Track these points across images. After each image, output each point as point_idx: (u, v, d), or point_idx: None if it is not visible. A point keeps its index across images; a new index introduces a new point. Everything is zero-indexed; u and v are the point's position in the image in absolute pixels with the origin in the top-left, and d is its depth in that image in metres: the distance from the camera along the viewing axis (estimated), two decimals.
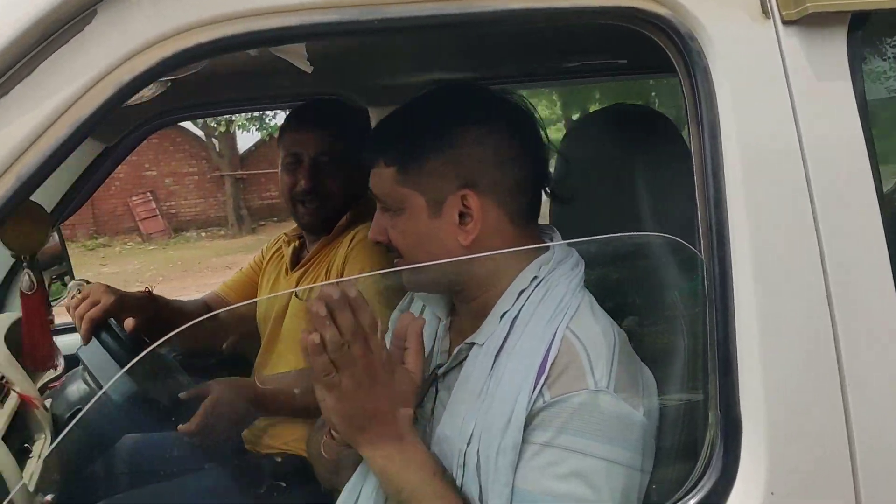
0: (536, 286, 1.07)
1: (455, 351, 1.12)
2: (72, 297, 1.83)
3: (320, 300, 0.89)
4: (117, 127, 2.09)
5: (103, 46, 0.73)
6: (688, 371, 1.06)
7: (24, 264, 1.41)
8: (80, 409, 1.74)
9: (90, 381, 1.76)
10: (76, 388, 1.77)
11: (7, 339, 1.70)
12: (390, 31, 0.86)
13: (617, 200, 1.30)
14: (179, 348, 2.01)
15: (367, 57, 2.22)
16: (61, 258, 2.34)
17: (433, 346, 1.20)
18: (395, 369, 0.98)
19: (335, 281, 1.67)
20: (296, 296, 1.81)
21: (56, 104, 0.72)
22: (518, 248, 1.09)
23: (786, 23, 0.95)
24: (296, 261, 1.92)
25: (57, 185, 2.09)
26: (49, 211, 2.10)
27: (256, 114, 11.78)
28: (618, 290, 1.21)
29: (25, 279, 1.41)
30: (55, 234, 2.25)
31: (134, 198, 15.63)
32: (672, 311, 1.11)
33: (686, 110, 0.96)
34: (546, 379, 0.99)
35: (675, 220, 1.05)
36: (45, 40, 0.72)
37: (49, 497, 1.47)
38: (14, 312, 1.97)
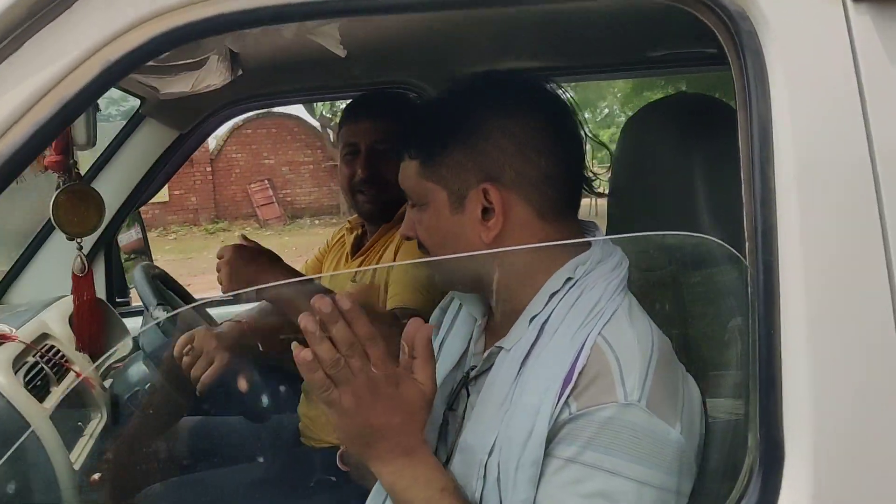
0: (570, 288, 1.00)
1: (486, 354, 1.06)
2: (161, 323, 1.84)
3: (308, 315, 0.84)
4: (190, 114, 2.13)
5: (91, 24, 0.71)
6: (733, 387, 0.96)
7: (78, 248, 1.44)
8: (138, 391, 1.78)
9: (150, 365, 1.80)
10: (136, 370, 1.80)
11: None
12: (396, 9, 0.80)
13: (676, 197, 1.20)
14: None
15: (440, 46, 2.18)
16: (143, 250, 2.41)
17: (467, 347, 1.14)
18: (401, 381, 0.91)
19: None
20: (352, 280, 1.80)
21: (40, 83, 0.70)
22: (539, 245, 1.01)
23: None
24: (357, 248, 1.91)
25: (132, 171, 2.15)
26: (125, 197, 2.17)
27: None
28: (662, 293, 1.11)
29: (77, 261, 1.45)
30: (140, 240, 2.32)
31: (253, 185, 16.48)
32: (722, 320, 1.00)
33: (735, 99, 0.86)
34: (573, 389, 0.90)
35: (734, 219, 0.95)
36: (32, 17, 0.70)
37: (96, 476, 1.50)
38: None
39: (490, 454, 0.95)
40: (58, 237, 2.17)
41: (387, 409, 0.89)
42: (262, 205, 16.43)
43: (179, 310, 1.61)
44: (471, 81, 1.10)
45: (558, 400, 0.90)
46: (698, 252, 1.04)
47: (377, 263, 1.79)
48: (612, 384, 0.89)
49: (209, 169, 16.79)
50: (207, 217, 16.62)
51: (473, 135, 1.01)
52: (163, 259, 13.29)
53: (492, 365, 1.03)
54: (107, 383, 1.76)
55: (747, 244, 0.84)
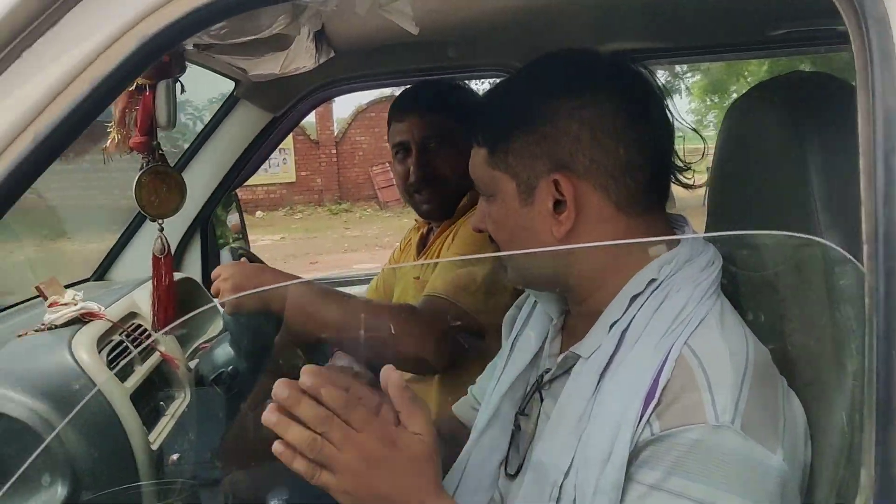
0: (654, 291, 0.89)
1: (561, 358, 0.97)
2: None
3: (270, 409, 0.77)
4: (283, 97, 2.12)
5: None
6: (843, 413, 0.83)
7: (159, 229, 1.44)
8: (223, 373, 1.78)
9: (235, 346, 1.80)
10: (222, 352, 1.81)
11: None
12: None
13: (784, 190, 1.06)
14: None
15: (539, 27, 2.08)
16: (240, 232, 2.44)
17: (541, 348, 1.06)
18: (397, 439, 0.82)
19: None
20: (416, 278, 1.73)
21: (75, 60, 0.66)
22: (617, 242, 0.91)
23: None
24: (421, 247, 1.85)
25: (227, 154, 2.16)
26: (220, 179, 2.19)
27: None
28: (760, 298, 0.98)
29: (158, 243, 1.45)
30: (233, 199, 2.35)
31: (374, 168, 17.03)
32: (831, 334, 0.87)
33: (856, 75, 0.73)
34: (656, 406, 0.80)
35: (851, 218, 0.82)
36: None
37: (175, 456, 1.51)
38: (179, 273, 2.05)
39: (566, 476, 0.86)
40: None
41: (389, 473, 0.81)
42: (383, 187, 16.93)
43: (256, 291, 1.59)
44: (542, 62, 1.01)
45: (640, 418, 0.81)
46: (806, 254, 0.91)
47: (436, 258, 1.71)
48: (699, 402, 0.79)
49: (334, 151, 17.45)
50: (331, 198, 17.40)
51: (542, 120, 0.92)
52: (290, 237, 13.99)
53: (567, 370, 0.95)
54: (192, 364, 1.77)
55: (865, 247, 0.71)
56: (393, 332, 1.38)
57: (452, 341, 1.44)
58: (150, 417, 1.49)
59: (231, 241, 2.47)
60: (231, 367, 1.73)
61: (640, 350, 0.86)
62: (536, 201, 0.93)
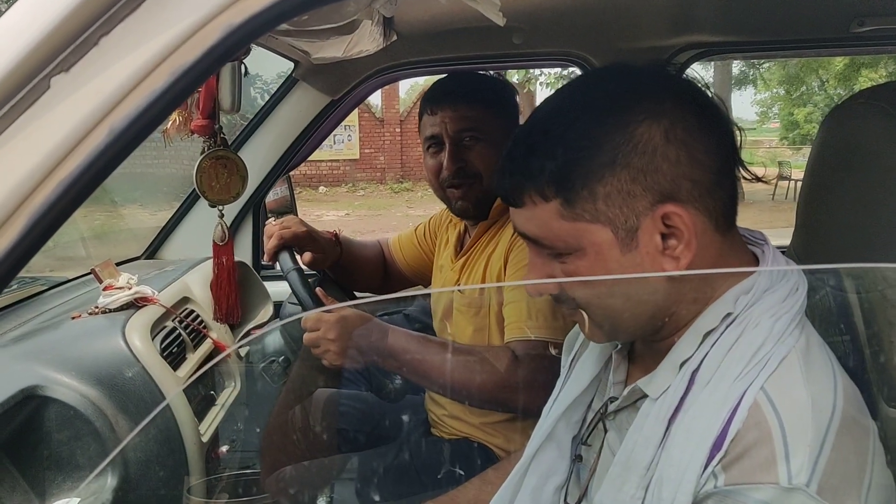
0: (728, 326, 0.80)
1: (627, 391, 0.89)
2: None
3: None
4: (343, 80, 2.06)
5: None
6: None
7: (219, 215, 1.41)
8: (273, 361, 1.75)
9: (286, 336, 1.77)
10: (273, 340, 1.78)
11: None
12: None
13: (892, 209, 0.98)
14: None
15: (609, 15, 2.00)
16: (289, 210, 2.40)
17: (600, 372, 0.98)
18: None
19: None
20: (460, 291, 1.67)
21: (157, 49, 0.61)
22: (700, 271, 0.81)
23: None
24: (460, 247, 1.78)
25: (283, 136, 2.12)
26: (275, 161, 2.15)
27: (566, 72, 11.47)
28: (867, 322, 0.90)
29: (218, 230, 1.41)
30: (285, 181, 2.31)
31: None
32: None
33: None
34: (723, 457, 0.73)
35: None
36: None
37: (224, 448, 1.48)
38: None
39: None
40: None
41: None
42: None
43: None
44: (594, 82, 0.89)
45: (705, 467, 0.74)
46: None
47: (480, 268, 1.64)
48: (772, 458, 0.71)
49: (398, 130, 17.57)
50: (394, 177, 17.62)
51: (633, 150, 0.79)
52: (354, 213, 14.16)
53: (633, 403, 0.88)
54: (243, 351, 1.74)
55: None
56: (495, 382, 1.42)
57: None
58: (200, 407, 1.46)
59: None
60: (283, 357, 1.70)
61: (711, 394, 0.78)
62: (641, 243, 0.81)
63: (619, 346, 0.96)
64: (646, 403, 0.84)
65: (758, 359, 0.77)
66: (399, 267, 2.02)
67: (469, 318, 1.63)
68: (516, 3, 1.87)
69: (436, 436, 1.75)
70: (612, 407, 0.92)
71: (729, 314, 0.81)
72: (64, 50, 0.61)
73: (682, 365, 0.82)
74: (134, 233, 2.35)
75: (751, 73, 23.37)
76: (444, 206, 1.76)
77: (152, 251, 2.23)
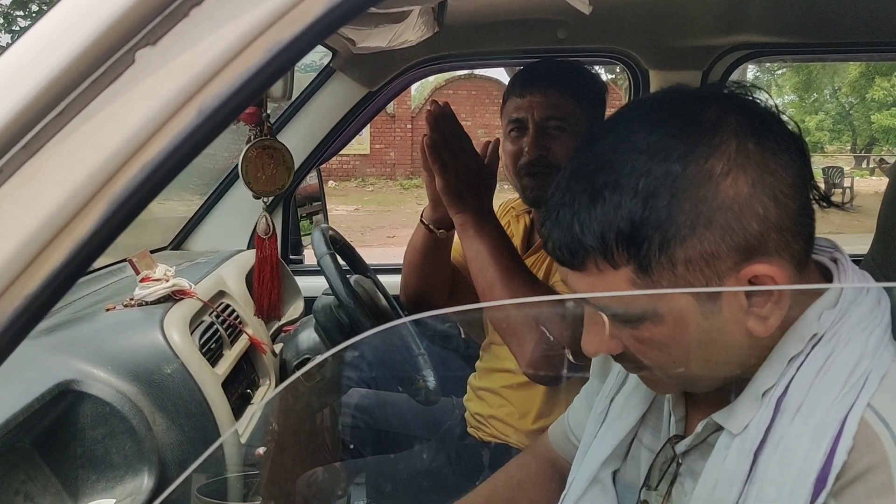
0: (814, 346, 0.72)
1: (699, 427, 0.80)
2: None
3: None
4: (381, 71, 2.01)
5: None
6: None
7: (264, 207, 1.35)
8: (308, 359, 1.70)
9: (321, 333, 1.71)
10: (307, 337, 1.73)
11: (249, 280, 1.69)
12: None
13: None
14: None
15: (659, 13, 1.94)
16: (317, 198, 2.35)
17: (657, 411, 0.90)
18: None
19: None
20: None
21: (254, 22, 0.55)
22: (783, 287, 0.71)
23: None
24: (527, 243, 1.71)
25: (318, 127, 2.06)
26: (308, 152, 2.09)
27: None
28: None
29: (262, 222, 1.36)
30: (314, 174, 2.26)
31: None
32: None
33: None
34: (833, 487, 0.66)
35: None
36: None
37: (261, 450, 1.42)
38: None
39: None
40: (239, 188, 2.14)
41: None
42: None
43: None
44: (666, 117, 0.73)
45: None
46: None
47: (550, 263, 1.58)
48: (889, 483, 0.64)
49: (409, 126, 17.57)
50: (403, 173, 17.63)
51: (717, 207, 0.68)
52: (364, 209, 14.17)
53: (706, 440, 0.80)
54: (277, 349, 1.69)
55: None
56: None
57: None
58: (237, 406, 1.40)
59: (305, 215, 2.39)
60: (318, 354, 1.65)
61: (805, 422, 0.69)
62: (725, 307, 0.71)
63: None
64: (722, 437, 0.76)
65: (855, 378, 0.69)
66: (455, 265, 1.81)
67: None
68: None
69: (473, 437, 1.69)
70: (681, 447, 0.83)
71: (815, 335, 0.72)
72: (151, 21, 0.55)
73: (764, 394, 0.73)
74: (159, 222, 2.29)
75: (765, 78, 23.29)
76: (503, 199, 1.69)
77: (179, 241, 2.18)
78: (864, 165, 23.78)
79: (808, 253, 0.75)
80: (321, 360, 1.51)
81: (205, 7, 0.56)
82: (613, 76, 13.73)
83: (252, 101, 0.59)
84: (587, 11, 0.93)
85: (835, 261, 0.80)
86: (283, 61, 0.57)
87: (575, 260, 0.73)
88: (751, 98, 0.75)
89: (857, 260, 1.21)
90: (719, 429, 0.77)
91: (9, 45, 0.57)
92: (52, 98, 0.55)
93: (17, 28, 14.10)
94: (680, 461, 0.84)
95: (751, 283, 0.70)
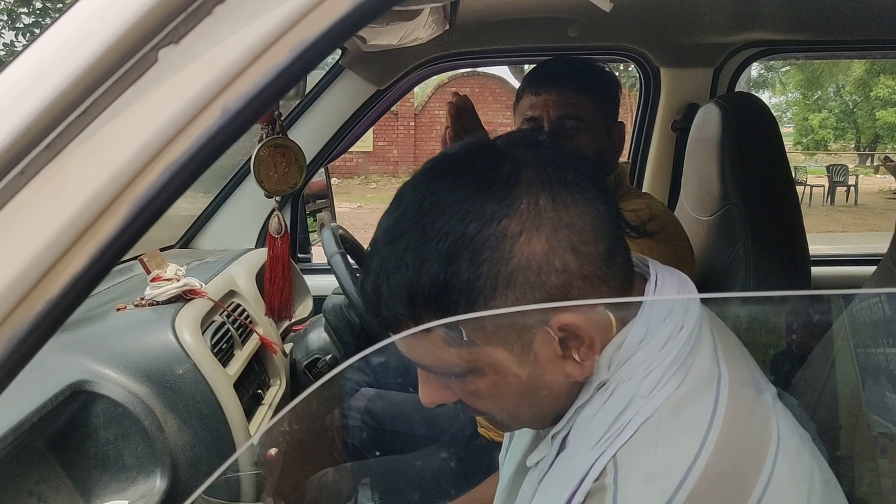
0: (598, 391, 0.71)
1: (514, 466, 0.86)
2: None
3: None
4: (390, 70, 2.00)
5: None
6: None
7: (276, 206, 1.34)
8: (317, 359, 1.69)
9: (331, 333, 1.70)
10: (317, 336, 1.72)
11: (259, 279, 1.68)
12: None
13: None
14: None
15: (670, 11, 1.93)
16: (322, 195, 2.34)
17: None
18: None
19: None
20: None
21: (279, 19, 0.54)
22: None
23: None
24: None
25: (327, 125, 2.05)
26: (317, 150, 2.08)
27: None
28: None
29: (274, 222, 1.35)
30: (322, 172, 2.25)
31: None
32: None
33: None
34: None
35: None
36: None
37: (273, 451, 1.42)
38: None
39: None
40: (247, 186, 2.13)
41: None
42: None
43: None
44: (455, 180, 0.71)
45: None
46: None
47: None
48: None
49: (412, 123, 17.57)
50: (406, 170, 17.83)
51: (514, 270, 0.67)
52: (367, 206, 14.18)
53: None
54: (286, 348, 1.68)
55: None
56: None
57: None
58: (248, 406, 1.39)
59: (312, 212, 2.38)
60: (330, 355, 1.64)
61: (569, 461, 0.71)
62: (540, 355, 0.70)
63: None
64: (528, 472, 0.79)
65: (619, 423, 0.68)
66: None
67: None
68: None
69: (484, 438, 1.68)
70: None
71: (602, 382, 0.71)
72: (174, 18, 0.54)
73: (553, 436, 0.75)
74: (167, 220, 2.28)
75: (769, 76, 23.23)
76: None
77: (187, 240, 2.17)
78: (868, 163, 23.73)
79: (629, 282, 0.75)
80: (343, 367, 1.49)
81: (229, 5, 0.55)
82: (623, 78, 13.71)
83: (276, 100, 0.58)
84: (608, 9, 0.92)
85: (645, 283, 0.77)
86: (307, 60, 0.56)
87: (391, 324, 0.72)
88: (547, 148, 0.74)
89: (876, 260, 1.20)
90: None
91: (26, 45, 0.56)
92: (75, 98, 0.54)
93: (21, 25, 14.06)
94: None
95: (562, 330, 0.69)
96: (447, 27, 1.90)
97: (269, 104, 0.58)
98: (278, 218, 1.33)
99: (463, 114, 1.34)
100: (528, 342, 0.70)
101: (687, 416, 0.68)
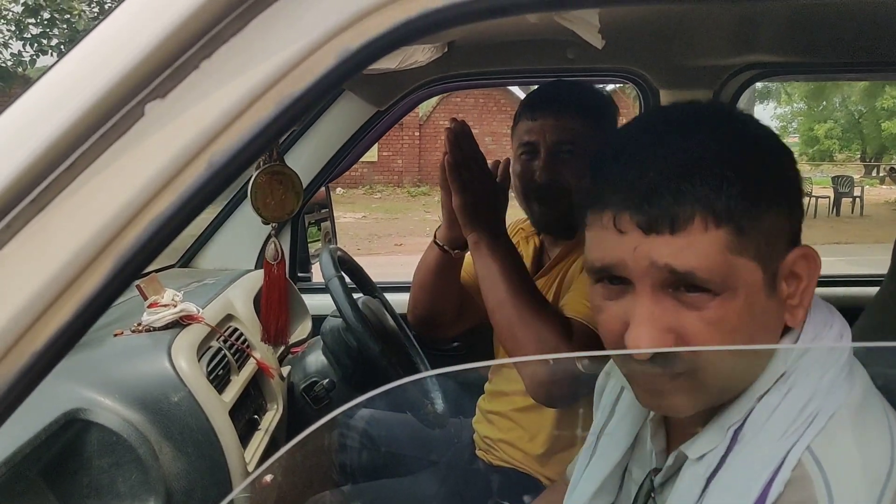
0: (777, 382, 0.73)
1: (671, 459, 0.81)
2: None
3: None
4: (390, 91, 2.00)
5: (328, 2, 0.54)
6: None
7: (272, 233, 1.35)
8: (315, 381, 1.69)
9: (329, 356, 1.70)
10: (315, 359, 1.72)
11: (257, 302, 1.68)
12: None
13: None
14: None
15: (670, 33, 1.93)
16: (325, 204, 2.35)
17: (641, 444, 0.90)
18: None
19: None
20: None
21: (264, 74, 0.54)
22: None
23: None
24: (537, 264, 1.69)
25: (326, 146, 2.06)
26: (317, 171, 2.09)
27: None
28: None
29: (271, 248, 1.35)
30: (323, 189, 2.25)
31: None
32: None
33: None
34: None
35: None
36: None
37: (269, 478, 1.41)
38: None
39: None
40: (247, 206, 2.13)
41: None
42: None
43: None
44: (708, 112, 0.81)
45: None
46: None
47: (559, 287, 1.56)
48: None
49: (417, 134, 17.64)
50: (411, 180, 17.72)
51: (788, 185, 0.75)
52: (371, 216, 14.19)
53: (678, 470, 0.80)
54: (284, 370, 1.68)
55: None
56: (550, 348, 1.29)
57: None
58: (244, 432, 1.39)
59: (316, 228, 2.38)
60: (327, 379, 1.64)
61: (753, 452, 0.71)
62: (778, 290, 0.74)
63: (653, 414, 0.86)
64: (685, 465, 0.78)
65: (805, 416, 0.70)
66: (463, 285, 1.75)
67: None
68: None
69: (482, 461, 1.68)
70: (658, 479, 0.83)
71: (783, 373, 0.72)
72: (161, 72, 0.55)
73: (728, 428, 0.74)
74: None
75: (773, 86, 23.23)
76: (512, 219, 1.67)
77: (187, 259, 2.18)
78: (874, 174, 23.69)
79: None
80: (352, 404, 1.50)
81: (215, 60, 0.55)
82: (622, 84, 13.72)
83: (262, 153, 0.59)
84: (600, 46, 0.92)
85: None
86: (293, 114, 0.56)
87: (676, 221, 0.69)
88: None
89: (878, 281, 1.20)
90: (686, 461, 0.78)
91: (17, 96, 0.56)
92: (62, 151, 0.55)
93: (28, 35, 14.15)
94: (653, 494, 0.84)
95: (793, 266, 0.74)
96: (446, 50, 1.91)
97: (256, 157, 0.58)
98: (275, 244, 1.33)
99: (462, 140, 1.35)
100: (774, 271, 0.73)
101: (869, 418, 0.71)
